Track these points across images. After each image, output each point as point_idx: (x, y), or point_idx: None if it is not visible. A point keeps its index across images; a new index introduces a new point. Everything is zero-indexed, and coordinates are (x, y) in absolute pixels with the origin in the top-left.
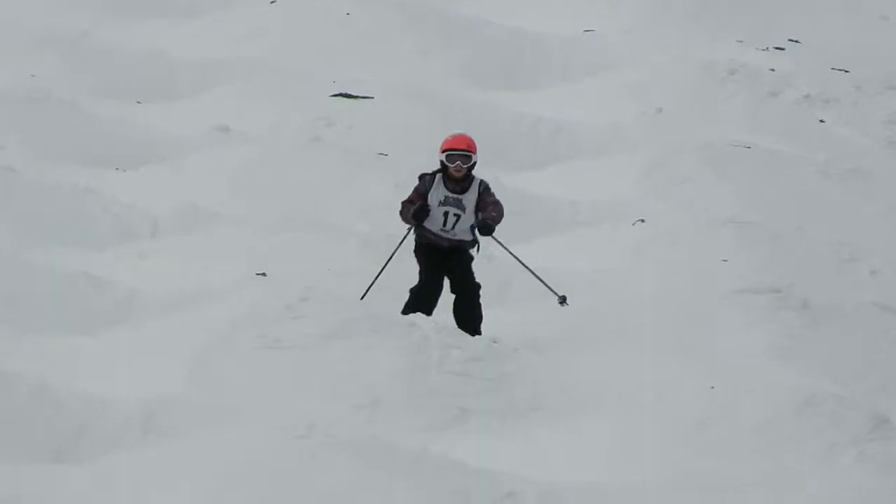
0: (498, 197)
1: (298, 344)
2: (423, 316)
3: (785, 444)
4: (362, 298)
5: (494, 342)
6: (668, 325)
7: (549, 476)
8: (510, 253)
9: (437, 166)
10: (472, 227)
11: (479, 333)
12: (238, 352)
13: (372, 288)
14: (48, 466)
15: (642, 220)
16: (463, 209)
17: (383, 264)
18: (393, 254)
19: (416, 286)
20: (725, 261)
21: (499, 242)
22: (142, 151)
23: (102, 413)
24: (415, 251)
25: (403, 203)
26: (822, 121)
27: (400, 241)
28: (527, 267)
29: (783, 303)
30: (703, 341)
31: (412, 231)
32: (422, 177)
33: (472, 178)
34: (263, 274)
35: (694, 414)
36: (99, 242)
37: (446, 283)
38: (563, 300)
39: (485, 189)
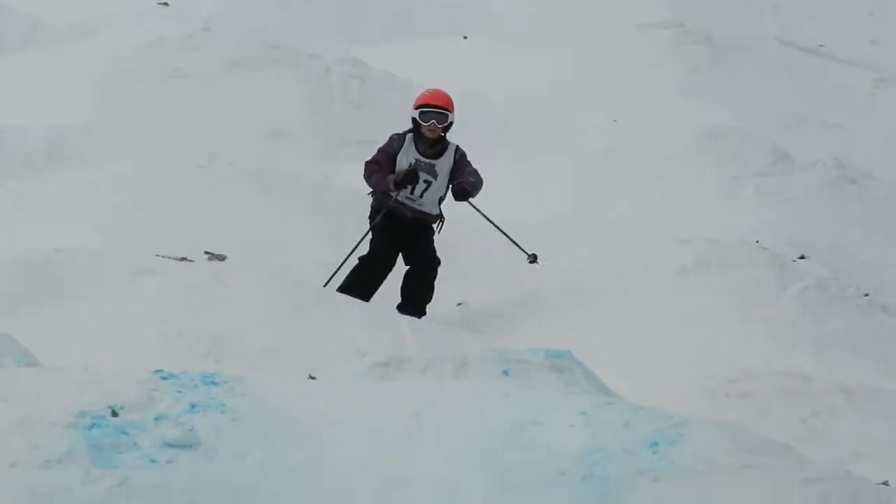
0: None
1: (200, 74)
2: (328, 50)
3: (687, 177)
4: (325, 285)
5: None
6: (569, 63)
7: (450, 211)
8: (486, 217)
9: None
10: (440, 200)
11: (425, 314)
12: (140, 81)
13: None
14: None
15: None
16: (435, 175)
17: (352, 248)
18: (363, 238)
19: (363, 256)
20: None
21: (475, 208)
22: None
23: (7, 140)
24: (370, 217)
25: (368, 164)
26: None
27: (372, 222)
28: (500, 229)
29: (686, 38)
30: (605, 76)
31: (373, 197)
32: (390, 139)
33: (448, 142)
34: (165, 3)
35: (597, 147)
36: None
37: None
38: (533, 259)
39: (461, 156)
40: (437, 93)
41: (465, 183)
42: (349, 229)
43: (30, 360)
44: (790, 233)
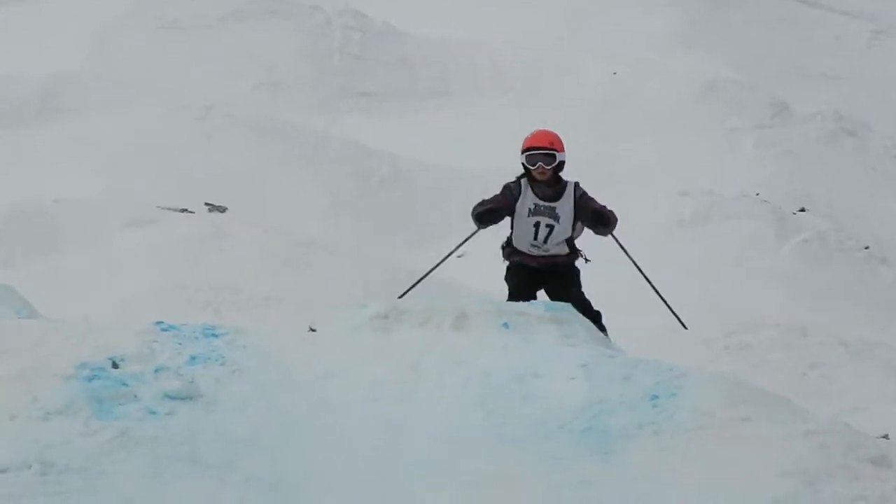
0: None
1: (197, 24)
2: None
3: (686, 129)
4: (401, 297)
5: None
6: (568, 13)
7: (450, 160)
8: (633, 262)
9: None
10: (568, 241)
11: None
12: (137, 31)
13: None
14: None
15: None
16: (556, 219)
17: (436, 263)
18: (449, 254)
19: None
20: None
21: (620, 246)
22: None
23: (1, 90)
24: (505, 277)
25: (482, 201)
26: None
27: (461, 241)
28: (652, 285)
29: None
30: (604, 28)
31: (477, 234)
32: (506, 186)
33: (565, 182)
34: None
35: (597, 100)
36: None
37: None
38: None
39: (582, 194)
40: (540, 134)
41: (604, 212)
42: (348, 181)
43: (29, 311)
44: (790, 185)
